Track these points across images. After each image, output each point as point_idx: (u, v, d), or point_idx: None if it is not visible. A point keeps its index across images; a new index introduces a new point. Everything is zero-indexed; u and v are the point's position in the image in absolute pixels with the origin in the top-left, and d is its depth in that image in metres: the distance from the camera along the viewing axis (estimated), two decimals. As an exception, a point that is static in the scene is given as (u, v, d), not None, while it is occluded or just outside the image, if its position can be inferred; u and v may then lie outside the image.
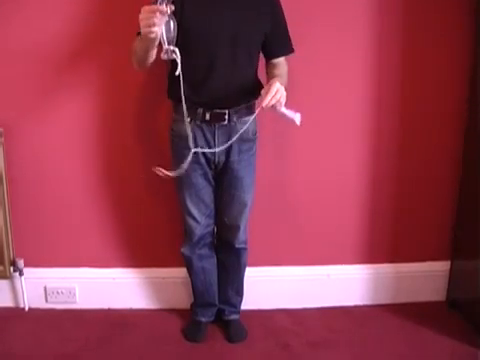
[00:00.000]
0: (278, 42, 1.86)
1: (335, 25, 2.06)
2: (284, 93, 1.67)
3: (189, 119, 1.80)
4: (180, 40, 1.71)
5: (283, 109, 1.69)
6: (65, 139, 2.14)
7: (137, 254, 2.29)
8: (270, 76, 1.85)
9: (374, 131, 2.20)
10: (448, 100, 2.18)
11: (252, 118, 1.82)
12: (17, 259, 2.20)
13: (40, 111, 2.11)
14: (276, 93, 1.64)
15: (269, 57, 1.89)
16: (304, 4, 2.03)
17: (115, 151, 2.16)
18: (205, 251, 2.08)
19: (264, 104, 1.64)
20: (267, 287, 2.30)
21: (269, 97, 1.63)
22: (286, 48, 1.88)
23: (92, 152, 2.16)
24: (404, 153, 2.22)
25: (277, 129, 2.14)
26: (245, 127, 1.78)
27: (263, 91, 1.67)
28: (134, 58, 1.77)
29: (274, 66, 1.88)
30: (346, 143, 2.20)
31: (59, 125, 2.12)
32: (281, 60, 1.89)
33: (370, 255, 2.33)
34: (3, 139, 2.07)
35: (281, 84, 1.67)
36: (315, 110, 2.15)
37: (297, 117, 1.71)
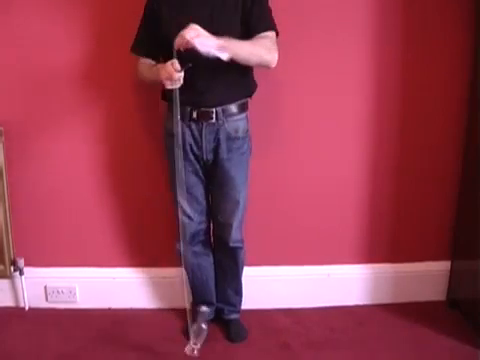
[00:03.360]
0: (255, 20, 1.78)
1: (335, 25, 2.06)
2: (201, 35, 1.61)
3: (179, 117, 1.83)
4: (162, 41, 1.78)
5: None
6: (65, 139, 2.14)
7: (137, 254, 2.29)
8: None
9: (374, 131, 2.20)
10: (448, 100, 2.18)
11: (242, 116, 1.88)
12: (17, 258, 2.20)
13: (40, 110, 2.11)
14: (189, 31, 1.59)
15: (250, 34, 1.79)
16: (304, 4, 2.03)
17: (116, 151, 2.17)
18: (199, 248, 2.08)
19: (175, 45, 1.64)
20: (267, 287, 2.30)
21: (178, 38, 1.61)
22: (261, 25, 1.79)
23: (92, 152, 2.16)
24: (404, 153, 2.22)
25: (277, 128, 2.14)
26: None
27: None
28: (141, 77, 1.90)
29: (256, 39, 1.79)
30: (346, 142, 2.20)
31: (59, 124, 2.13)
32: (260, 35, 1.78)
33: (370, 255, 2.33)
34: (3, 138, 2.07)
35: (228, 42, 1.63)
36: (315, 110, 2.15)
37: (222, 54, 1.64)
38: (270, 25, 1.80)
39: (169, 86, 1.70)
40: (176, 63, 1.66)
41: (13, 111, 2.10)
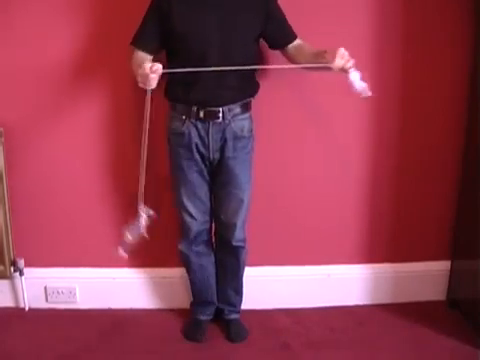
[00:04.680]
0: (282, 31, 1.88)
1: (335, 25, 2.05)
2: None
3: (184, 117, 1.86)
4: (170, 40, 1.81)
5: (353, 74, 1.67)
6: (65, 139, 2.14)
7: (137, 254, 2.27)
8: (303, 54, 1.85)
9: (374, 131, 2.20)
10: (448, 100, 2.18)
11: (248, 115, 1.90)
12: (17, 259, 2.20)
13: (40, 111, 2.11)
14: (344, 54, 1.63)
15: (281, 46, 1.91)
16: (304, 5, 2.03)
17: (116, 150, 2.17)
18: (202, 248, 2.09)
19: (335, 65, 1.63)
20: (267, 287, 2.30)
21: (339, 57, 1.62)
22: (293, 34, 1.90)
23: (92, 152, 2.16)
24: (404, 153, 2.22)
25: (277, 127, 2.14)
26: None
27: (326, 55, 1.67)
28: (134, 69, 1.84)
29: (299, 47, 1.88)
30: (346, 143, 2.19)
31: (59, 125, 2.12)
32: (296, 44, 1.89)
33: (370, 255, 2.33)
34: (3, 139, 2.07)
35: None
36: (315, 110, 2.15)
37: (365, 88, 1.69)
38: (294, 32, 1.90)
39: (140, 85, 1.64)
40: (159, 68, 1.60)
41: (13, 112, 2.09)
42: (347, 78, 1.67)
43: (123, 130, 2.14)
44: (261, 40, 1.91)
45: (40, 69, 2.06)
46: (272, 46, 1.92)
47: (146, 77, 1.59)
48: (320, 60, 1.71)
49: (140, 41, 1.85)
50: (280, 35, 1.89)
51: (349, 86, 1.68)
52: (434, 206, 2.30)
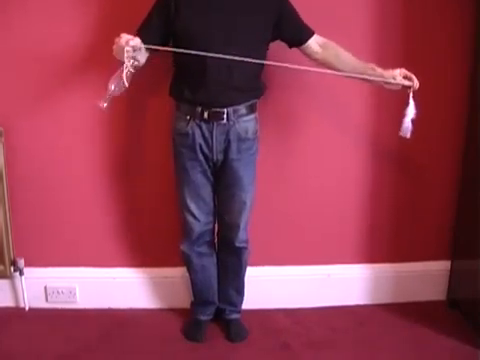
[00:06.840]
0: (296, 29, 1.86)
1: (335, 25, 2.05)
2: None
3: (188, 117, 1.85)
4: (174, 40, 1.82)
5: (412, 107, 1.76)
6: (65, 138, 2.14)
7: (138, 254, 2.29)
8: (346, 63, 1.86)
9: (374, 131, 2.20)
10: (448, 100, 2.18)
11: (253, 117, 1.88)
12: (17, 259, 2.20)
13: (40, 110, 2.10)
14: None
15: (298, 44, 1.88)
16: (304, 5, 2.03)
17: (116, 150, 2.16)
18: (204, 249, 2.09)
19: (416, 86, 1.78)
20: (267, 287, 2.30)
21: (415, 80, 1.78)
22: (306, 32, 1.87)
23: (93, 151, 2.16)
24: (404, 153, 2.22)
25: (278, 128, 2.14)
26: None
27: (398, 74, 1.81)
28: None
29: (336, 53, 1.86)
30: (347, 143, 2.20)
31: (59, 125, 2.12)
32: (324, 41, 1.87)
33: (370, 255, 2.33)
34: (3, 139, 2.07)
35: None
36: (316, 110, 2.15)
37: (409, 129, 1.77)
38: (310, 29, 1.87)
39: (114, 53, 1.62)
40: (137, 43, 1.62)
41: (13, 112, 2.09)
42: (407, 107, 1.75)
43: (124, 129, 2.14)
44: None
45: (40, 69, 2.06)
46: (290, 45, 1.89)
47: (121, 49, 1.61)
48: (377, 75, 1.82)
49: (141, 33, 1.81)
50: (295, 34, 1.86)
51: (403, 117, 1.76)
52: (434, 206, 2.30)
